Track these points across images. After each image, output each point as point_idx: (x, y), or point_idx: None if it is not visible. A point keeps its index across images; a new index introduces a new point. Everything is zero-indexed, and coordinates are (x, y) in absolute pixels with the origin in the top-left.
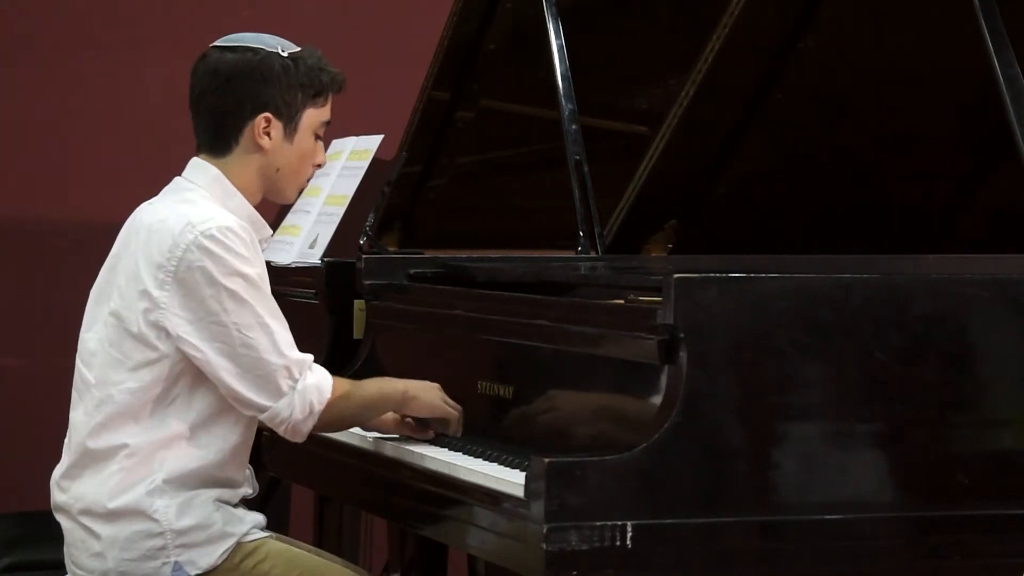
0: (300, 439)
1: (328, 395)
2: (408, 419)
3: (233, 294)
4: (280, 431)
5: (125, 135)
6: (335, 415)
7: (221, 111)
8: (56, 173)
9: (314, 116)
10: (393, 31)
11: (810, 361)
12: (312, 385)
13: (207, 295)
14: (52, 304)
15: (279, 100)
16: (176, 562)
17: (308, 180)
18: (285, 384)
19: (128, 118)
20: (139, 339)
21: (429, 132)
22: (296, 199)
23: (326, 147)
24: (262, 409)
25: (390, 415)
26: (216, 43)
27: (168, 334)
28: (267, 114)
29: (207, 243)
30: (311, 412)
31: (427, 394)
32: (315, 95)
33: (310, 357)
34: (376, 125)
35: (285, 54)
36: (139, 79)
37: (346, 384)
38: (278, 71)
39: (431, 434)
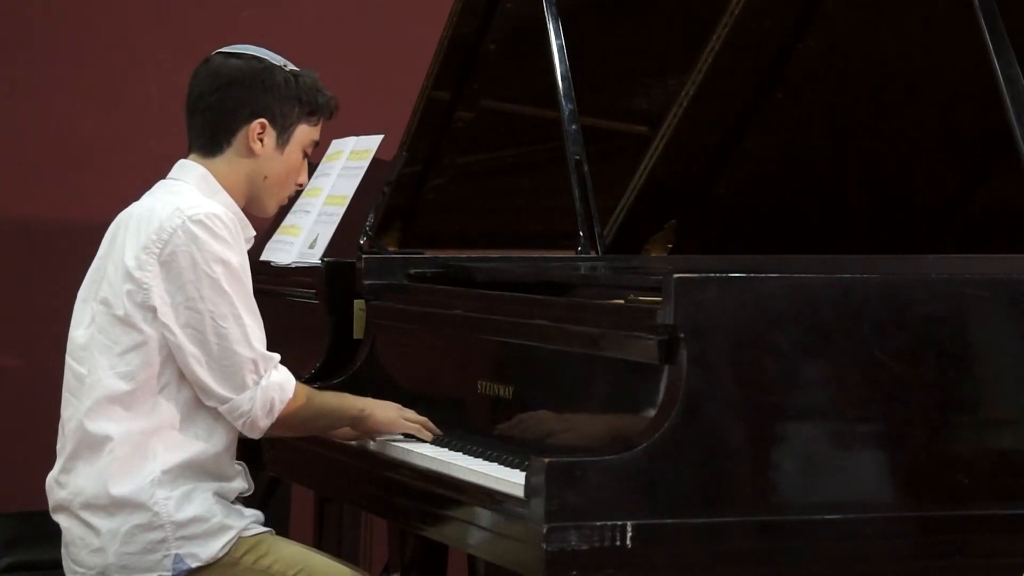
0: (257, 435)
1: (290, 395)
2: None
3: (214, 282)
4: (238, 425)
5: (125, 135)
6: (292, 418)
7: (219, 111)
8: (56, 173)
9: (306, 133)
10: (393, 31)
11: (810, 361)
12: (276, 383)
13: (187, 280)
14: (52, 304)
15: (276, 109)
16: (176, 555)
17: (288, 197)
18: (250, 378)
19: (128, 118)
20: (125, 322)
21: (429, 132)
22: (274, 214)
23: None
24: (223, 400)
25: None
26: (221, 50)
27: (155, 315)
28: (263, 120)
29: (194, 228)
30: (271, 410)
31: (384, 412)
32: (310, 113)
33: (277, 356)
34: (376, 125)
35: (287, 68)
36: (139, 80)
37: (307, 390)
38: (279, 82)
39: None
